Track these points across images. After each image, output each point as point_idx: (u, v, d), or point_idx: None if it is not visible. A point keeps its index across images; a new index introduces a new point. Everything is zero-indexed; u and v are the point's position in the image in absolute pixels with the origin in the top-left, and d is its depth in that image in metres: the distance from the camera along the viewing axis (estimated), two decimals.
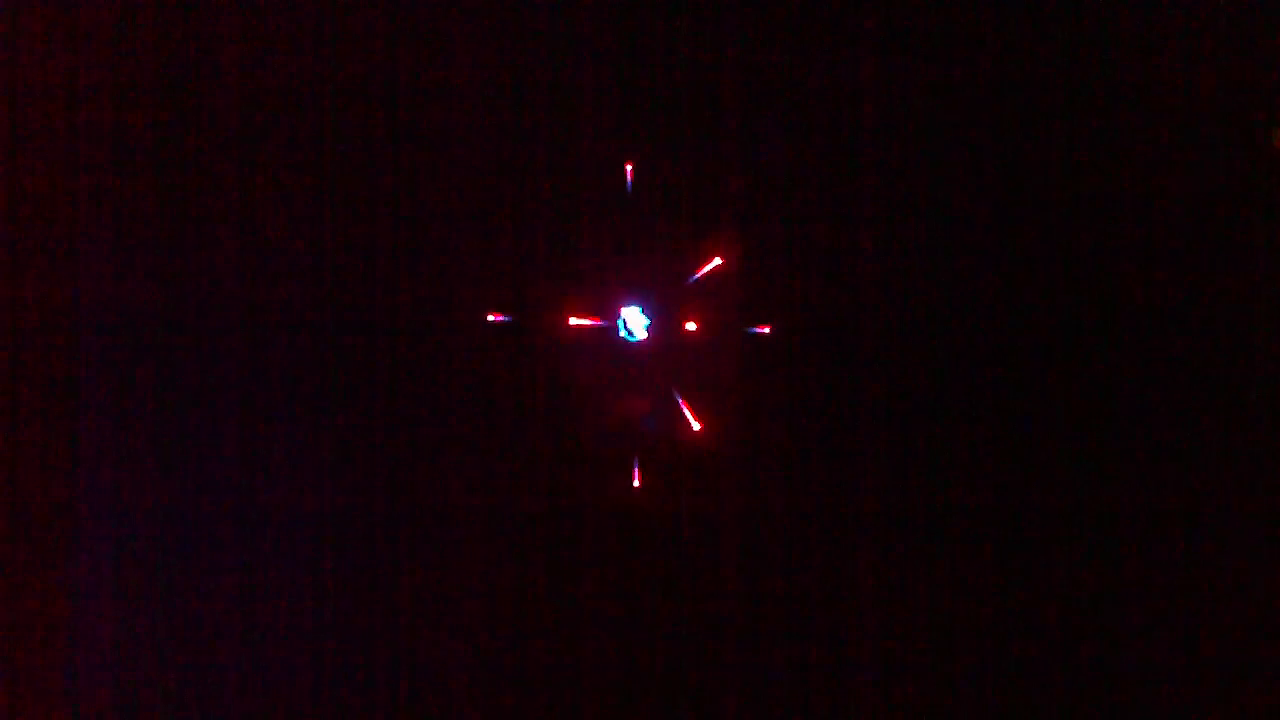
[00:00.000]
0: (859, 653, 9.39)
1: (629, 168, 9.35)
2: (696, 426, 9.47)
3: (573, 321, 9.24)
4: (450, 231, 9.11)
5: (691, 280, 9.56)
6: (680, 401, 9.47)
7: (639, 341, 9.57)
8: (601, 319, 9.34)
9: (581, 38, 9.29)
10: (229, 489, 8.67)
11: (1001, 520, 9.50)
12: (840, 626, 9.40)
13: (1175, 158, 9.60)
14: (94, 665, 8.33)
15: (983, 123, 9.68)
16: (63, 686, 8.21)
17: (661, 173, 9.41)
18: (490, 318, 9.11)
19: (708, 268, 9.53)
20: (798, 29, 9.53)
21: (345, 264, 8.95)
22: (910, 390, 9.54)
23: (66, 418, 8.43)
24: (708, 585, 9.33)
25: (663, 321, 9.45)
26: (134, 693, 8.38)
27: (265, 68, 8.86)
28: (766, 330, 9.50)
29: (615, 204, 9.38)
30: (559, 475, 9.18)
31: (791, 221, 9.48)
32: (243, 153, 8.87)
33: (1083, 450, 9.61)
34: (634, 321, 9.65)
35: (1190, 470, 9.44)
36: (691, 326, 9.46)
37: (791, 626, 9.35)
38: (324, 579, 8.74)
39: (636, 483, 9.34)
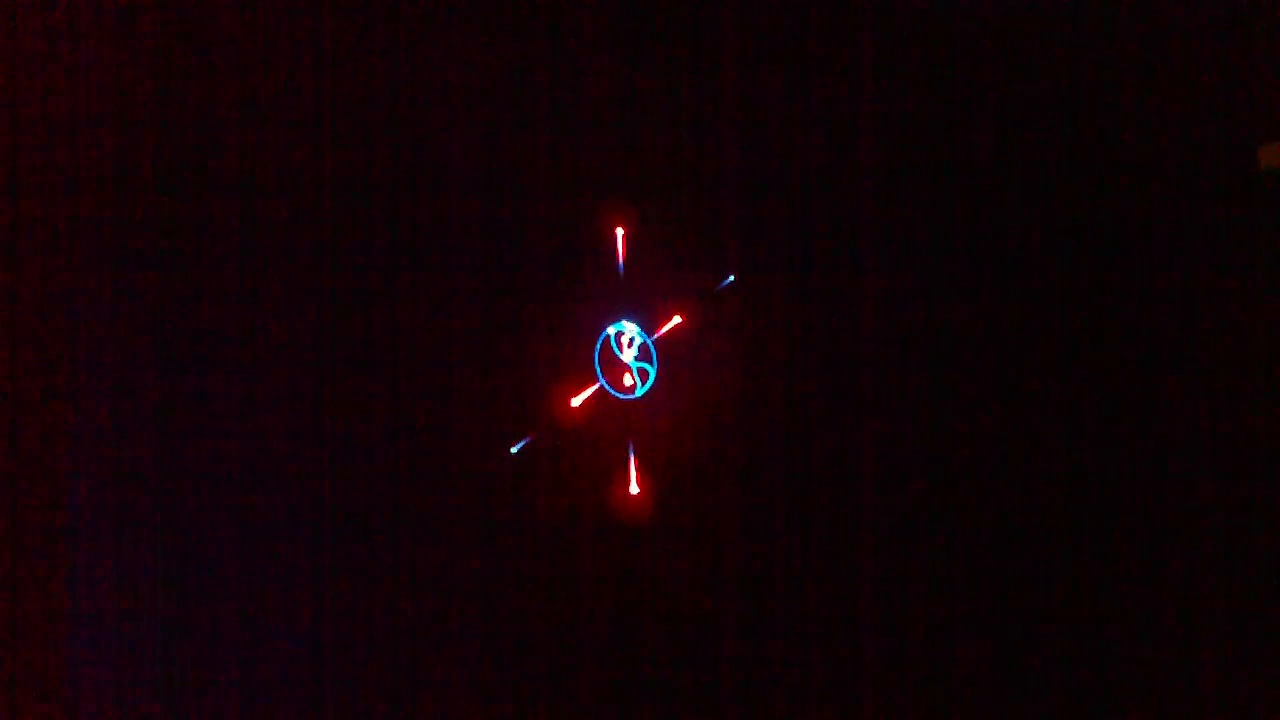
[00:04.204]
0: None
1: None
2: None
3: None
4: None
5: (716, 290, 9.13)
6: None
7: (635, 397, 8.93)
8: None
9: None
10: (227, 494, 8.64)
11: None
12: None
13: (1165, 175, 9.77)
14: (94, 665, 8.25)
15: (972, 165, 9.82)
16: (62, 686, 8.15)
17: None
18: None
19: (726, 281, 9.18)
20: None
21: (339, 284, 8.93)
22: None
23: (65, 419, 8.38)
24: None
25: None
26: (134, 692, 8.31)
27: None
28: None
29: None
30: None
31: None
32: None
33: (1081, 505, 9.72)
34: (625, 356, 8.83)
35: (1188, 474, 9.58)
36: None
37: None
38: (323, 581, 8.71)
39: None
